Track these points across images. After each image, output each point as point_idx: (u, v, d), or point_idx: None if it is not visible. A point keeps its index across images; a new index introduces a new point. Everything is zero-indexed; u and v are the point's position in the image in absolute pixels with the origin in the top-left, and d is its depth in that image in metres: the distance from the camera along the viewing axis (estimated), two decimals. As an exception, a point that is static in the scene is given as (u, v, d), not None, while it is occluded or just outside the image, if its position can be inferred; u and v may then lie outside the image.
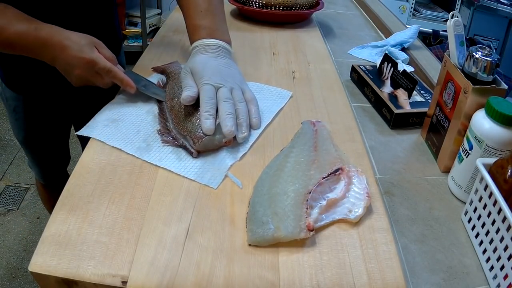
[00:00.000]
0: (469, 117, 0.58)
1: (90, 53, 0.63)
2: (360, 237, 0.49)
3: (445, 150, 0.65)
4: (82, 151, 0.64)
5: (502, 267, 0.46)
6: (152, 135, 0.61)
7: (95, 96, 0.75)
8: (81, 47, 0.63)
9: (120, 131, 0.61)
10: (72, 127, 1.05)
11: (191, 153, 0.58)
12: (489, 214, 0.50)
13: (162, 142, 0.60)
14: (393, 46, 1.05)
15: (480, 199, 0.52)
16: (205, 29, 0.72)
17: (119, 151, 0.58)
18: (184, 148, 0.59)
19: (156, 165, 0.56)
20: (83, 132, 0.61)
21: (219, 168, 0.57)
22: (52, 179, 1.11)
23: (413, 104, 0.76)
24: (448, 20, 0.63)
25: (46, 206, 1.27)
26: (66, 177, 1.12)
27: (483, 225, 0.51)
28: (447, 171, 0.65)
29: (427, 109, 0.73)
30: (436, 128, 0.68)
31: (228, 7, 1.20)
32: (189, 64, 0.69)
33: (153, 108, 0.68)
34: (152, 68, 0.78)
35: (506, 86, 0.58)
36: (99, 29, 0.80)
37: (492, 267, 0.49)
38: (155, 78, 0.75)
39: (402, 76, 0.78)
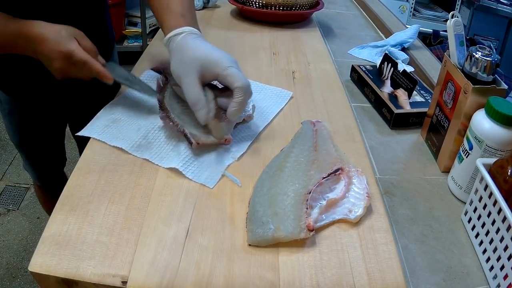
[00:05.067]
0: (469, 117, 0.58)
1: (68, 44, 0.61)
2: (360, 237, 0.49)
3: (445, 150, 0.65)
4: (80, 152, 0.64)
5: (502, 267, 0.46)
6: (153, 132, 0.62)
7: (89, 95, 0.73)
8: (60, 39, 0.61)
9: (120, 131, 0.61)
10: (68, 129, 1.05)
11: (190, 143, 0.57)
12: (489, 214, 0.50)
13: (165, 127, 0.61)
14: (393, 46, 1.05)
15: (480, 199, 0.52)
16: (184, 17, 0.66)
17: (119, 151, 0.58)
18: (185, 136, 0.58)
19: (155, 164, 0.56)
20: (83, 132, 0.61)
21: (216, 168, 0.57)
22: (49, 180, 1.11)
23: (413, 104, 0.76)
24: (448, 20, 0.63)
25: (44, 208, 1.27)
26: (63, 178, 1.11)
27: (483, 225, 0.51)
28: (447, 171, 0.65)
29: (427, 109, 0.73)
30: (436, 128, 0.68)
31: (228, 7, 1.20)
32: (194, 52, 0.59)
33: (155, 107, 0.67)
34: (151, 68, 0.78)
35: (506, 86, 0.58)
36: (89, 30, 0.78)
37: (492, 267, 0.49)
38: (154, 78, 0.75)
39: (402, 76, 0.78)
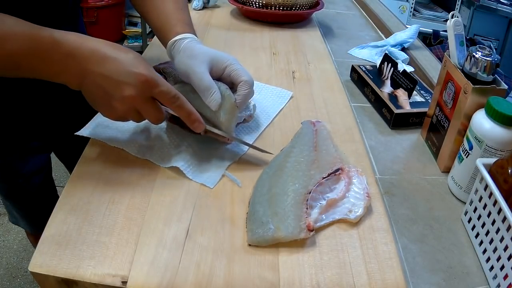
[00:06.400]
0: (469, 117, 0.58)
1: (147, 70, 0.48)
2: (360, 237, 0.49)
3: (445, 150, 0.65)
4: (69, 172, 0.60)
5: (502, 267, 0.46)
6: (153, 132, 0.61)
7: (77, 113, 0.56)
8: (132, 60, 0.47)
9: (121, 131, 0.61)
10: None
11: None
12: (489, 214, 0.50)
13: (169, 121, 0.61)
14: (393, 46, 1.05)
15: (480, 199, 0.52)
16: (190, 26, 0.66)
17: (119, 151, 0.58)
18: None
19: (156, 164, 0.56)
20: (83, 132, 0.60)
21: (216, 168, 0.57)
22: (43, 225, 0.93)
23: (413, 104, 0.76)
24: (448, 20, 0.63)
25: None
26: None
27: (483, 225, 0.51)
28: (447, 171, 0.65)
29: (427, 109, 0.73)
30: (436, 128, 0.68)
31: (228, 7, 1.20)
32: (203, 49, 0.60)
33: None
34: None
35: (506, 86, 0.58)
36: None
37: (492, 267, 0.49)
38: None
39: (402, 76, 0.78)
